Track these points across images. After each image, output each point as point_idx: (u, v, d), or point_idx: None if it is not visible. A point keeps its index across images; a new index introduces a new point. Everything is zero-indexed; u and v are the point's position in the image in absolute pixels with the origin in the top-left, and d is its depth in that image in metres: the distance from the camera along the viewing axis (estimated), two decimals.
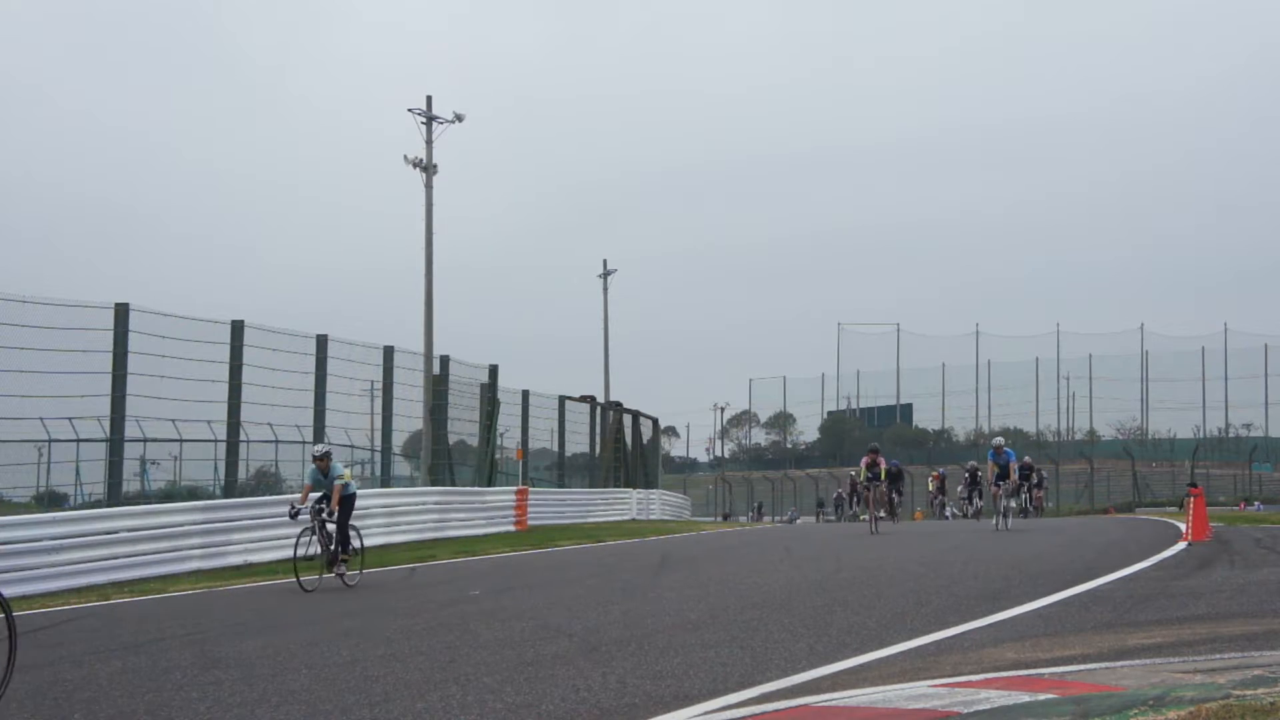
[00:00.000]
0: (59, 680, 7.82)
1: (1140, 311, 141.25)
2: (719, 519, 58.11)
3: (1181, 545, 16.80)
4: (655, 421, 45.53)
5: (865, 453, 25.91)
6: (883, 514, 25.29)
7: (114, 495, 19.53)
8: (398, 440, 27.79)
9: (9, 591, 14.81)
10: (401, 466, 29.76)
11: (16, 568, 15.23)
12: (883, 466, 24.93)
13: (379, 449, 26.99)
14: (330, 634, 9.75)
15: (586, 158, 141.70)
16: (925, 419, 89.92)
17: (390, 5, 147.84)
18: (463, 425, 29.87)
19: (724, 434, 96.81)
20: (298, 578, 14.66)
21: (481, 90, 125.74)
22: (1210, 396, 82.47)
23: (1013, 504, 24.32)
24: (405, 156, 31.81)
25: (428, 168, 31.54)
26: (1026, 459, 38.50)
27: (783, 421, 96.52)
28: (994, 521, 24.10)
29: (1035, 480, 39.19)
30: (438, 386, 28.56)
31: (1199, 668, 6.20)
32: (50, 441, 22.45)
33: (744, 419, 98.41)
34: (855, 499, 42.45)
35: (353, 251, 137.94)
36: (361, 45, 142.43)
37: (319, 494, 15.27)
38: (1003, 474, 24.23)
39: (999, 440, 25.33)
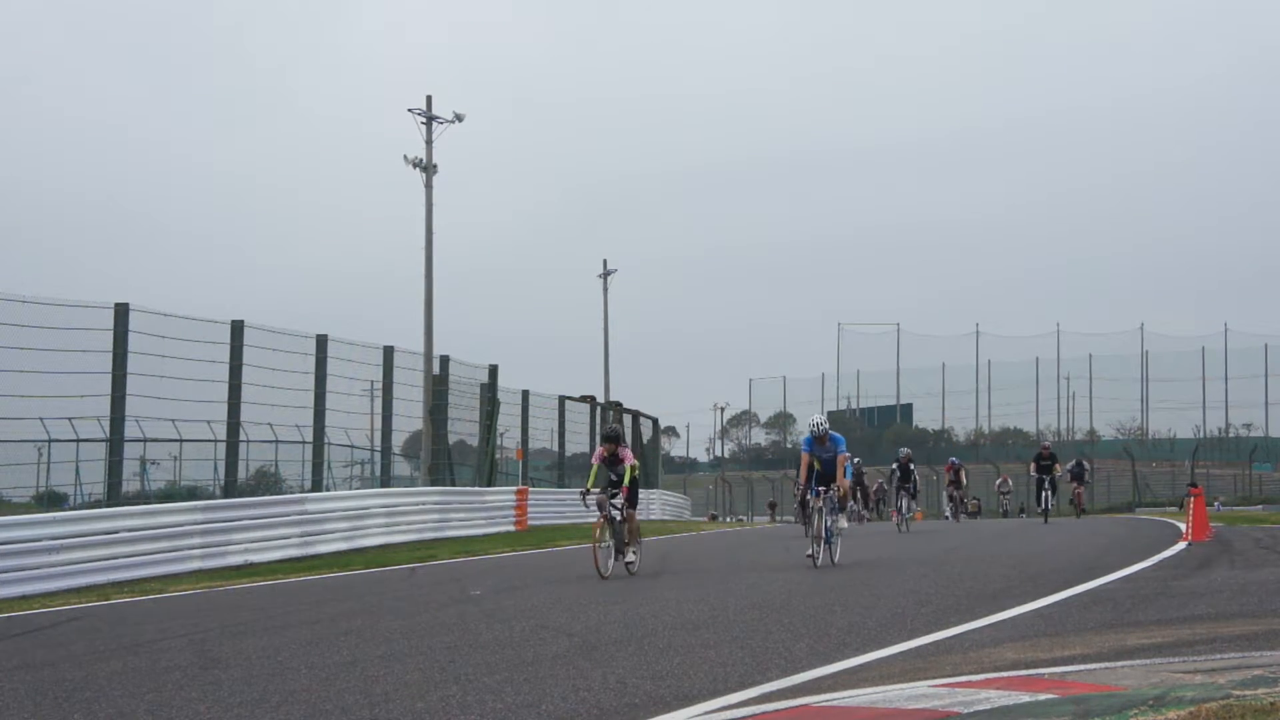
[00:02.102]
0: (59, 680, 7.82)
1: (1140, 311, 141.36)
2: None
3: (1181, 545, 16.81)
4: (655, 421, 45.56)
5: (601, 441, 15.50)
6: (630, 554, 14.98)
7: (114, 495, 19.53)
8: (398, 440, 27.80)
9: (8, 592, 14.85)
10: (401, 466, 29.78)
11: (16, 568, 15.24)
12: (628, 463, 15.07)
13: (379, 449, 26.99)
14: (330, 634, 9.75)
15: (587, 159, 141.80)
16: (925, 419, 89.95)
17: (391, 6, 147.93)
18: (463, 425, 29.88)
19: (724, 434, 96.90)
20: None
21: (482, 91, 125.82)
22: (1210, 396, 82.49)
23: (842, 523, 15.73)
24: (405, 156, 31.87)
25: (428, 168, 31.57)
26: (1045, 444, 34.07)
27: (783, 421, 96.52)
28: (809, 549, 15.20)
29: (1081, 473, 32.78)
30: (438, 386, 28.57)
31: (1199, 668, 6.20)
32: (50, 441, 22.47)
33: (744, 419, 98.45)
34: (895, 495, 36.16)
35: (353, 252, 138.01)
36: (362, 46, 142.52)
37: None
38: (824, 476, 15.47)
39: (819, 421, 15.63)
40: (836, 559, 15.34)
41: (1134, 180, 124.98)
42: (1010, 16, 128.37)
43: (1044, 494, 29.32)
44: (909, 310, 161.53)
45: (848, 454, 16.03)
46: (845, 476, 15.80)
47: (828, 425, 15.74)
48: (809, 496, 15.59)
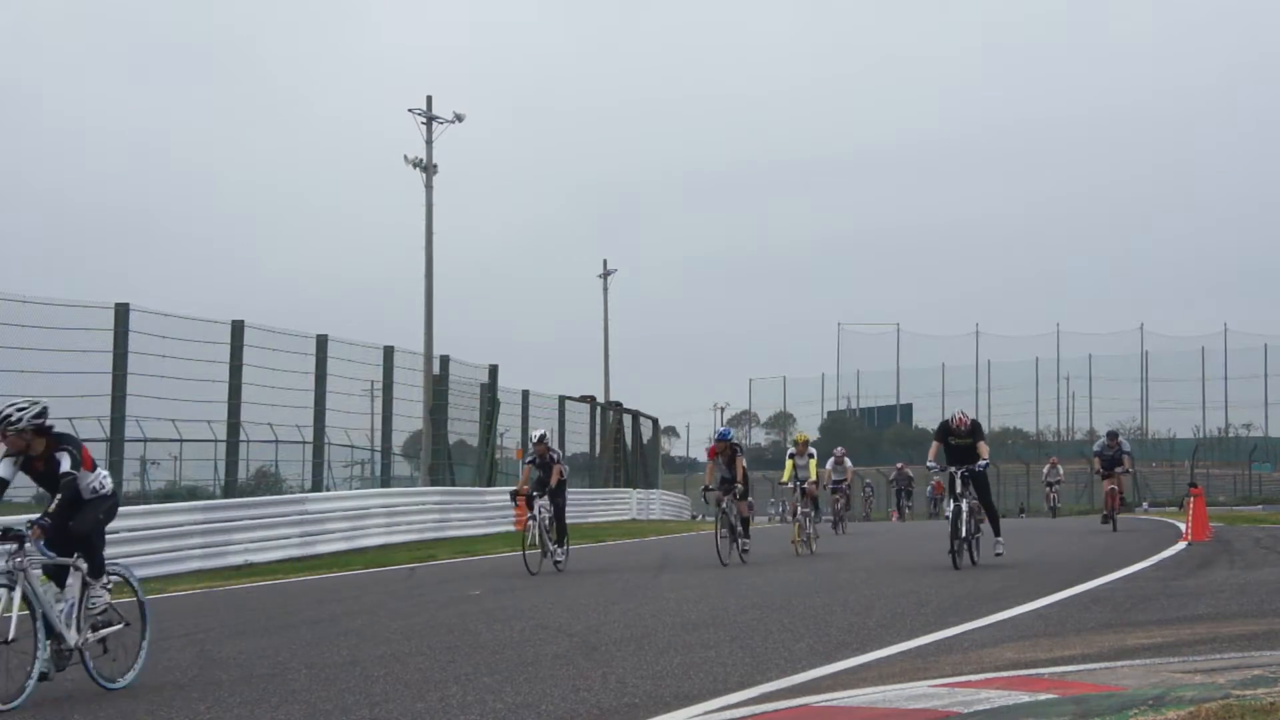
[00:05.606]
0: (59, 680, 7.81)
1: (1140, 311, 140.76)
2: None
3: (1181, 545, 16.80)
4: (655, 421, 45.55)
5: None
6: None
7: None
8: (398, 440, 27.78)
9: None
10: (401, 466, 29.74)
11: None
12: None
13: (379, 449, 26.97)
14: (330, 634, 9.75)
15: (587, 160, 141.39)
16: (925, 419, 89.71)
17: (393, 7, 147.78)
18: (463, 425, 29.85)
19: None
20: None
21: (483, 93, 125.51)
22: (1210, 396, 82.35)
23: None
24: (406, 157, 31.82)
25: (428, 168, 31.55)
26: (959, 413, 20.88)
27: (783, 421, 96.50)
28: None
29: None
30: (438, 386, 28.55)
31: (1199, 668, 6.20)
32: None
33: (744, 419, 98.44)
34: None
35: (353, 252, 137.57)
36: (363, 47, 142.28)
37: None
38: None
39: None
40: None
41: (1133, 181, 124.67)
42: (1010, 18, 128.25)
43: (957, 507, 14.04)
44: (909, 310, 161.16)
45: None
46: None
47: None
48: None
